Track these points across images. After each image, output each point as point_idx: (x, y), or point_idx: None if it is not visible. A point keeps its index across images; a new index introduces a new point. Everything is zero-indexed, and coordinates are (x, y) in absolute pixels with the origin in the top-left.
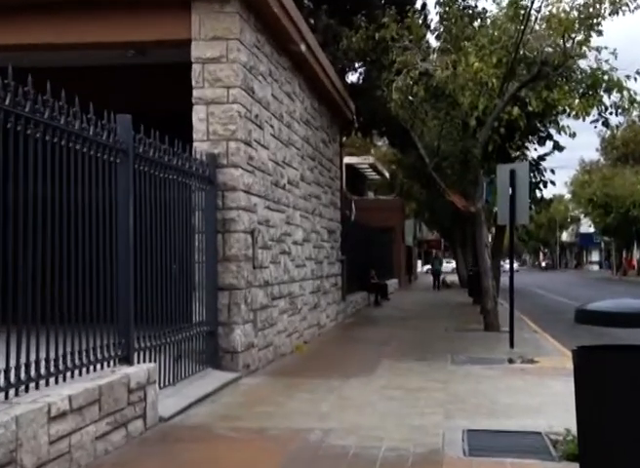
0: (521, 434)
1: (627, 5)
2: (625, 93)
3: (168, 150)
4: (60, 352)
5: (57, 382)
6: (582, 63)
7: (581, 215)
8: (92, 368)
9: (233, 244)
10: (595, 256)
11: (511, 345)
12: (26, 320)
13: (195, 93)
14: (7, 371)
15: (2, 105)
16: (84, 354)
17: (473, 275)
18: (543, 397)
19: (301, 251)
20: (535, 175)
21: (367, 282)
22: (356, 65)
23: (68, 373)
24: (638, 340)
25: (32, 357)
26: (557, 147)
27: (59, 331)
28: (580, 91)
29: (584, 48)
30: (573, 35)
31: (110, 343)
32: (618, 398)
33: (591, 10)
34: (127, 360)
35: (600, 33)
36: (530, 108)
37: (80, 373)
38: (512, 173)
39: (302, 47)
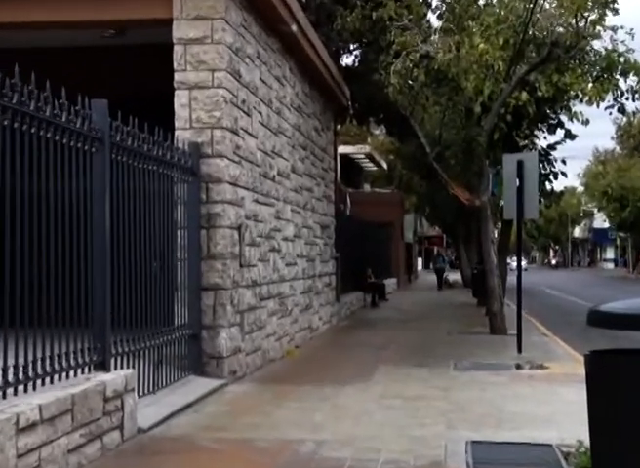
0: (530, 446)
1: None
2: None
3: (148, 139)
4: (30, 358)
5: (26, 391)
6: (596, 44)
7: (595, 210)
8: (64, 375)
9: (218, 240)
10: (610, 254)
11: (519, 350)
12: None
13: (177, 76)
14: None
15: None
16: (56, 360)
17: (478, 274)
18: (554, 406)
19: (292, 248)
20: (544, 166)
21: (363, 281)
22: (351, 47)
23: (39, 381)
24: None
25: None
26: (569, 136)
27: (28, 335)
28: (594, 74)
29: (599, 27)
30: (586, 14)
31: (85, 348)
32: (634, 406)
33: None
34: (103, 366)
35: (616, 11)
36: (539, 93)
37: (52, 381)
38: (520, 163)
39: (293, 27)
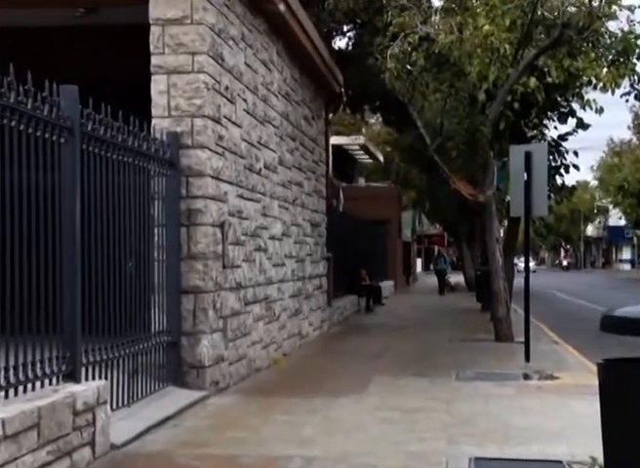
0: (539, 463)
1: None
2: None
3: (122, 128)
4: None
5: None
6: (612, 26)
7: (610, 206)
8: (30, 386)
9: (199, 239)
10: (626, 254)
11: (527, 358)
12: None
13: (154, 60)
14: None
15: None
16: (20, 370)
17: (482, 276)
18: (564, 419)
19: (280, 247)
20: (554, 158)
21: (357, 284)
22: (345, 29)
23: (1, 393)
24: None
25: None
26: (581, 125)
27: None
28: (609, 58)
29: (614, 7)
30: None
31: (52, 357)
32: None
33: None
34: (72, 376)
35: None
36: (549, 79)
37: (16, 393)
38: (528, 155)
39: (281, 6)
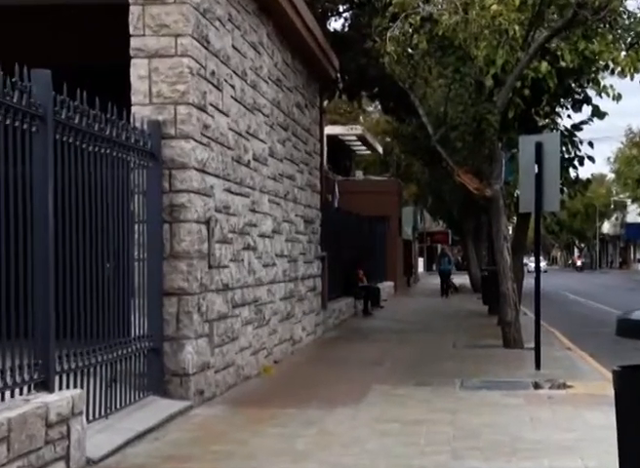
0: None
1: None
2: None
3: (99, 116)
4: None
5: None
6: (631, 5)
7: (628, 201)
8: None
9: (183, 237)
10: None
11: (537, 366)
12: None
13: (134, 43)
14: None
15: None
16: None
17: (489, 277)
18: (578, 432)
19: (271, 245)
20: (568, 150)
21: (354, 285)
22: (340, 9)
23: None
24: None
25: None
26: (597, 113)
27: None
28: (628, 41)
29: None
30: None
31: (23, 364)
32: None
33: None
34: (45, 385)
35: None
36: (562, 64)
37: None
38: (539, 146)
39: None
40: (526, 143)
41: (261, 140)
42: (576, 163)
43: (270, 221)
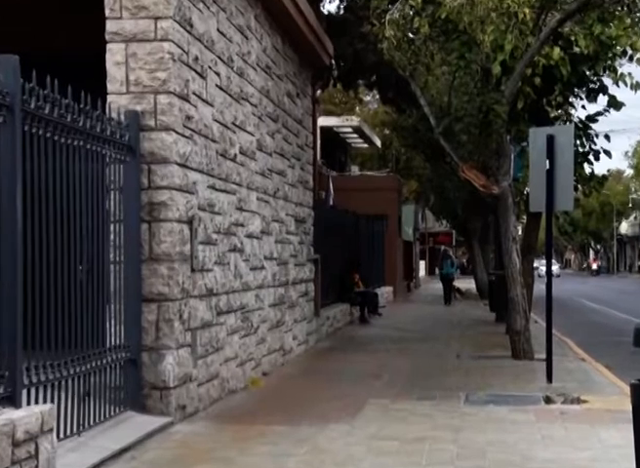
0: None
1: None
2: None
3: (72, 106)
4: None
5: None
6: None
7: None
8: None
9: (164, 237)
10: None
11: (549, 378)
12: None
13: (109, 26)
14: None
15: None
16: None
17: (496, 281)
18: (594, 451)
19: (259, 247)
20: (582, 143)
21: (349, 290)
22: None
23: None
24: None
25: None
26: (614, 104)
27: None
28: None
29: None
30: None
31: None
32: None
33: None
34: (11, 400)
35: None
36: (576, 49)
37: None
38: (551, 139)
39: None
40: (537, 136)
41: (249, 133)
42: (591, 158)
43: (259, 221)
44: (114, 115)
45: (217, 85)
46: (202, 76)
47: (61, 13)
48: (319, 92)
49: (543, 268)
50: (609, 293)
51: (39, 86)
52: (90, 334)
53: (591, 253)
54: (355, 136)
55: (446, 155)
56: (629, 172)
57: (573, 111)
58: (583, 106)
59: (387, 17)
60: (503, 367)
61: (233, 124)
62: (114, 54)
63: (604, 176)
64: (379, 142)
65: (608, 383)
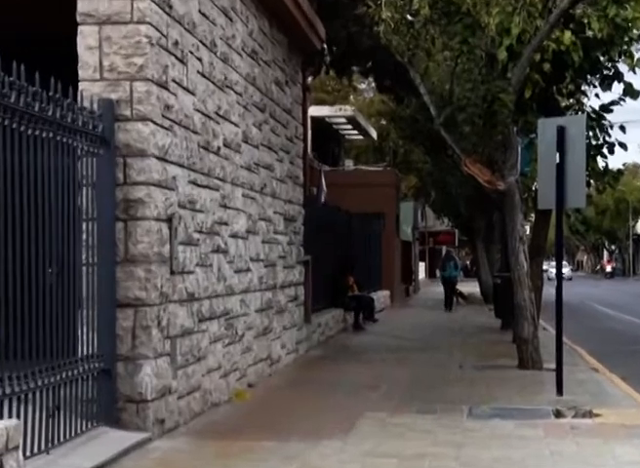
0: None
1: None
2: None
3: (40, 94)
4: None
5: None
6: None
7: None
8: None
9: (141, 237)
10: None
11: (559, 390)
12: None
13: (81, 6)
14: None
15: None
16: None
17: (502, 284)
18: None
19: (244, 248)
20: (595, 135)
21: (343, 294)
22: None
23: None
24: None
25: None
26: (630, 92)
27: None
28: None
29: None
30: None
31: None
32: None
33: None
34: None
35: None
36: (589, 33)
37: None
38: (561, 131)
39: None
40: (546, 128)
41: (234, 123)
42: (605, 151)
43: (244, 219)
44: (86, 104)
45: (198, 71)
46: (182, 62)
47: None
48: (310, 79)
49: (553, 270)
50: (624, 298)
51: (4, 72)
52: (60, 343)
53: (605, 254)
54: (349, 126)
55: (447, 148)
56: None
57: (585, 100)
58: (597, 95)
59: None
60: (510, 377)
61: (216, 114)
62: (86, 37)
63: (619, 171)
64: (375, 134)
65: (623, 396)
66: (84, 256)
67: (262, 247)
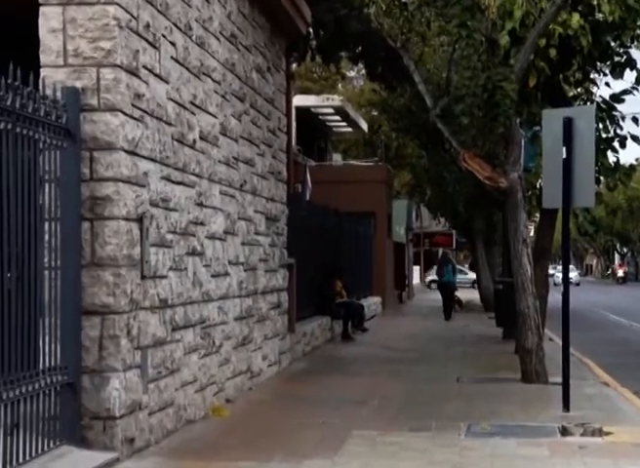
0: None
1: None
2: None
3: None
4: None
5: None
6: None
7: None
8: None
9: (109, 238)
10: None
11: (566, 406)
12: None
13: None
14: None
15: None
16: None
17: (504, 290)
18: None
19: (222, 250)
20: (605, 127)
21: (330, 301)
22: None
23: None
24: None
25: None
26: None
27: None
28: None
29: None
30: None
31: None
32: None
33: None
34: None
35: None
36: (599, 16)
37: None
38: (568, 123)
39: None
40: (552, 119)
41: (211, 114)
42: (616, 144)
43: (222, 219)
44: (49, 92)
45: (172, 57)
46: (154, 46)
47: None
48: (294, 66)
49: (559, 275)
50: (637, 305)
51: None
52: (19, 354)
53: (616, 257)
54: (337, 118)
55: (444, 141)
56: None
57: (594, 89)
58: (607, 83)
59: None
60: (512, 392)
61: (192, 103)
62: (49, 19)
63: (631, 167)
64: (365, 126)
65: (636, 412)
66: (46, 259)
67: (242, 249)
